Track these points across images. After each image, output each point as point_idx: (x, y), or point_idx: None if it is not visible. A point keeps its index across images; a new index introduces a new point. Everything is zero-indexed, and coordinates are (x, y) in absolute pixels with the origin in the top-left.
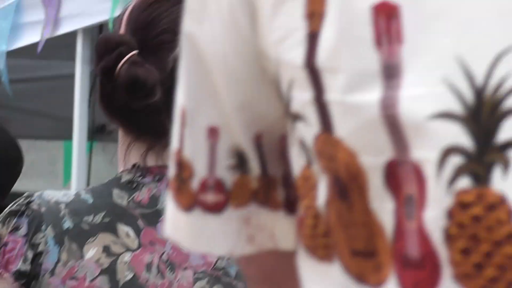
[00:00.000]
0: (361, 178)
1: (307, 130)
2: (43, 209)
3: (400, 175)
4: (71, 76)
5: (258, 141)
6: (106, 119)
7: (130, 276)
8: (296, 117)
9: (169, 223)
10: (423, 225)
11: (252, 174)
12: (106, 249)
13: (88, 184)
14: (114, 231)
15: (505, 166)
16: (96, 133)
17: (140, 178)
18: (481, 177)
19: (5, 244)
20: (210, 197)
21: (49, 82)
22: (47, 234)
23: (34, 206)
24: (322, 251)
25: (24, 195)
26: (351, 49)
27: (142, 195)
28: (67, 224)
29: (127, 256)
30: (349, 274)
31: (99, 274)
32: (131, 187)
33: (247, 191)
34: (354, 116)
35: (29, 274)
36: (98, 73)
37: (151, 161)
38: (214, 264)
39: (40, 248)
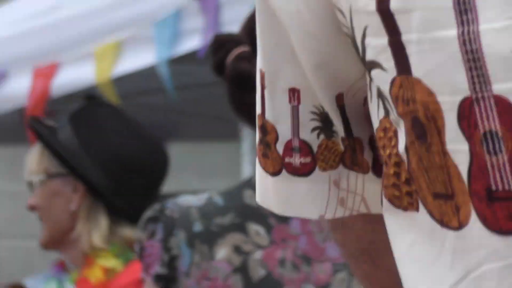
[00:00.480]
0: (439, 118)
1: (384, 76)
2: (176, 215)
3: (477, 113)
4: None
5: (340, 102)
6: None
7: (263, 272)
8: (372, 65)
9: (258, 189)
10: None
11: (338, 136)
12: (236, 249)
13: None
14: (243, 230)
15: None
16: None
17: None
18: None
19: (144, 249)
20: (297, 160)
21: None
22: (180, 238)
23: (168, 212)
24: (407, 199)
25: (159, 202)
26: None
27: None
28: (197, 227)
29: (258, 254)
30: (433, 219)
31: (232, 273)
32: None
33: (334, 153)
34: (433, 54)
35: (167, 277)
36: (212, 69)
37: None
38: None
39: (174, 251)
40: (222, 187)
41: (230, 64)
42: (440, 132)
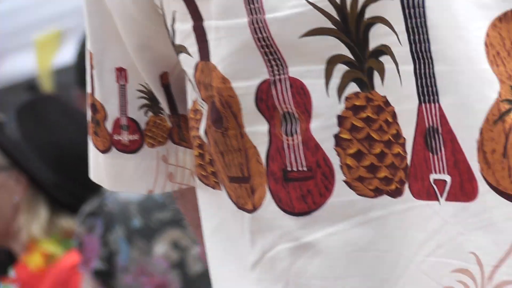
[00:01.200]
0: (234, 104)
1: (189, 61)
2: (115, 210)
3: (274, 95)
4: None
5: (165, 81)
6: None
7: (200, 268)
8: (179, 49)
9: (92, 166)
10: (311, 136)
11: (164, 113)
12: (175, 244)
13: None
14: (182, 226)
15: (382, 72)
16: None
17: None
18: (365, 83)
19: (84, 244)
20: (125, 137)
21: None
22: (118, 234)
23: (107, 207)
24: (213, 178)
25: (98, 197)
26: None
27: None
28: (136, 222)
29: (195, 250)
30: (231, 200)
31: (169, 269)
32: None
33: (162, 130)
34: (228, 41)
35: (106, 272)
36: None
37: None
38: None
39: (113, 247)
40: None
41: None
42: (236, 116)
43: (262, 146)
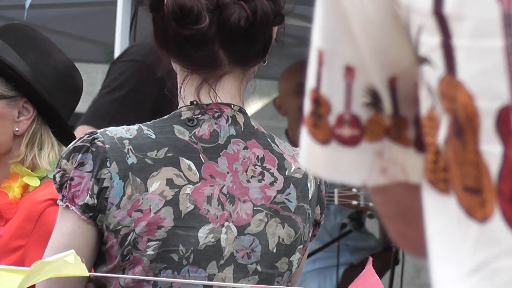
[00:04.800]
0: (475, 120)
1: (433, 73)
2: (107, 146)
3: None
4: (114, 3)
5: (393, 84)
6: None
7: (191, 207)
8: (423, 61)
9: (304, 155)
10: None
11: (385, 112)
12: (169, 182)
13: None
14: (176, 165)
15: None
16: None
17: (199, 115)
18: None
19: (71, 179)
20: (346, 131)
21: (91, 8)
22: (112, 170)
23: (98, 142)
24: (442, 184)
25: (88, 132)
26: (474, 1)
27: (203, 130)
28: (131, 159)
29: (188, 189)
30: (461, 207)
31: (163, 206)
32: (191, 124)
33: (381, 127)
34: (479, 61)
35: (96, 207)
36: (148, 6)
37: (206, 98)
38: (273, 198)
39: (105, 183)
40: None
41: None
42: (475, 132)
43: (494, 166)
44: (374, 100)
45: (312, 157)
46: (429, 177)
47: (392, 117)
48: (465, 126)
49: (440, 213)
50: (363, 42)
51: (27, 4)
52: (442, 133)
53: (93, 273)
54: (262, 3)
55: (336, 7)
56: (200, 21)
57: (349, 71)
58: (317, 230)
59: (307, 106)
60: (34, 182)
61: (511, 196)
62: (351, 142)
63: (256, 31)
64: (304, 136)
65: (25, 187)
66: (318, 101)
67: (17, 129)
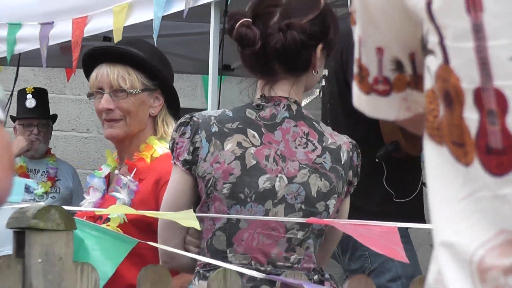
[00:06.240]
0: (461, 96)
1: (435, 61)
2: (200, 120)
3: (484, 97)
4: (208, 32)
5: (412, 57)
6: (230, 60)
7: (254, 162)
8: (430, 52)
9: (355, 99)
10: (506, 127)
11: (407, 73)
12: (239, 144)
13: (218, 102)
14: (245, 133)
15: None
16: (223, 70)
17: (264, 103)
18: None
19: (177, 144)
20: (381, 87)
21: (193, 36)
22: (201, 135)
23: (194, 118)
24: (437, 138)
25: (190, 113)
26: (453, 14)
27: (265, 113)
28: (214, 128)
29: (252, 150)
30: (451, 155)
31: (233, 160)
32: (258, 108)
33: (404, 82)
34: (459, 56)
35: (191, 161)
36: (228, 33)
37: (270, 93)
38: (314, 160)
39: (197, 144)
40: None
41: (235, 29)
42: (461, 104)
43: (473, 127)
44: (398, 66)
45: (360, 102)
46: (429, 131)
47: (411, 75)
48: (454, 99)
49: (437, 156)
50: (387, 31)
51: (155, 36)
52: (441, 105)
53: (197, 214)
54: (293, 35)
55: (367, 12)
56: (254, 44)
57: (379, 50)
58: (351, 188)
59: (355, 69)
60: (163, 150)
61: (486, 149)
62: (383, 93)
63: (291, 52)
64: (355, 87)
65: (155, 155)
66: (361, 67)
67: (152, 111)
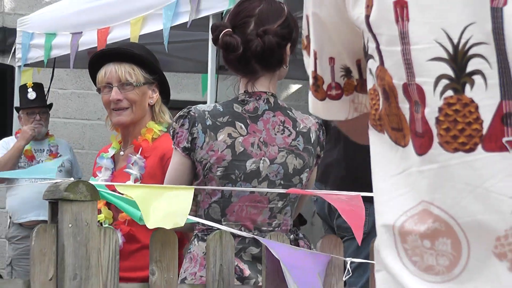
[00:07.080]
0: (394, 90)
1: (374, 63)
2: (196, 114)
3: (410, 91)
4: (206, 40)
5: (358, 63)
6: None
7: (242, 149)
8: (370, 56)
9: (311, 107)
10: (424, 115)
11: (354, 78)
12: (229, 135)
13: (216, 96)
14: (233, 125)
15: (472, 84)
16: (219, 69)
17: (248, 97)
18: (459, 90)
19: (177, 133)
20: (334, 92)
21: (195, 42)
22: (198, 128)
23: (191, 112)
24: (379, 127)
25: (187, 107)
26: (385, 24)
27: (249, 106)
28: (208, 122)
29: (240, 139)
30: (391, 139)
31: (225, 148)
32: (243, 103)
33: (352, 86)
34: (391, 58)
35: (190, 148)
36: (213, 42)
37: (253, 88)
38: (290, 143)
39: (194, 135)
40: (189, 97)
41: (220, 38)
42: (395, 97)
43: (406, 115)
44: (347, 72)
45: (316, 108)
46: (372, 123)
47: (358, 80)
48: (390, 94)
49: (379, 142)
50: (338, 42)
51: (166, 42)
52: (380, 99)
53: (193, 186)
54: (269, 38)
55: (321, 27)
56: (238, 50)
57: (331, 60)
58: (319, 160)
59: (311, 80)
60: (161, 132)
61: (415, 132)
62: (336, 97)
63: (269, 52)
64: (311, 96)
65: (155, 137)
66: (317, 78)
67: (151, 101)
